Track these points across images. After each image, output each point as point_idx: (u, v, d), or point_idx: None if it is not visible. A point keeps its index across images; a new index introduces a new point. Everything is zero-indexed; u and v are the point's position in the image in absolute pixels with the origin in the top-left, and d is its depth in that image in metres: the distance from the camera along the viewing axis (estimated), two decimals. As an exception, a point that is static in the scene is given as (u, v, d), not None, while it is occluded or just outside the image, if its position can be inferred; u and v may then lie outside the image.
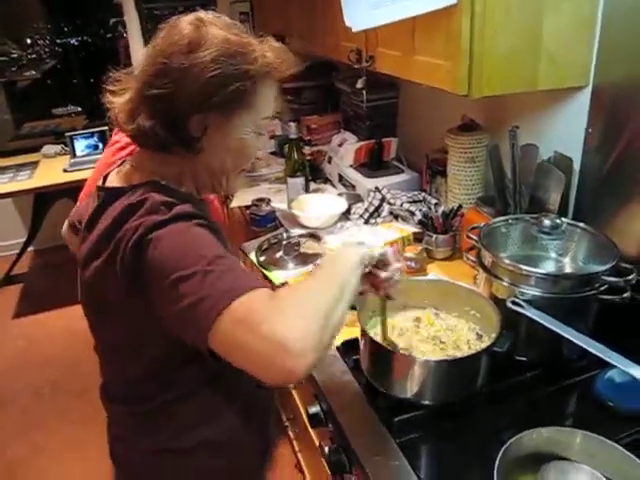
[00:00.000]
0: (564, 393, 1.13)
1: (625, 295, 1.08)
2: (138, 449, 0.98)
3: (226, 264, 0.75)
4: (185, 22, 0.85)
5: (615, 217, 1.27)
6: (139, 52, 3.56)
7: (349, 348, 1.23)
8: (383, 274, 0.96)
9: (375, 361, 1.09)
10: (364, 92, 1.56)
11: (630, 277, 1.07)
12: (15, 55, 4.88)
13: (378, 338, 1.08)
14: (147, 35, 3.51)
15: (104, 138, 3.40)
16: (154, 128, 0.82)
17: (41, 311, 3.43)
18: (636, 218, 1.21)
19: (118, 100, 0.87)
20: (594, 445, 0.83)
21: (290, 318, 0.70)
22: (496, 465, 0.79)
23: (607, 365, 1.09)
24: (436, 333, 1.15)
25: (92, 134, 3.45)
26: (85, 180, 3.47)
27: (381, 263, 0.95)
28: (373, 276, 0.96)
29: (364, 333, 1.09)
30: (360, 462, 0.97)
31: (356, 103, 2.32)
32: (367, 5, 1.13)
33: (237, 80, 0.83)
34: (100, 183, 0.93)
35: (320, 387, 1.16)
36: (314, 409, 1.22)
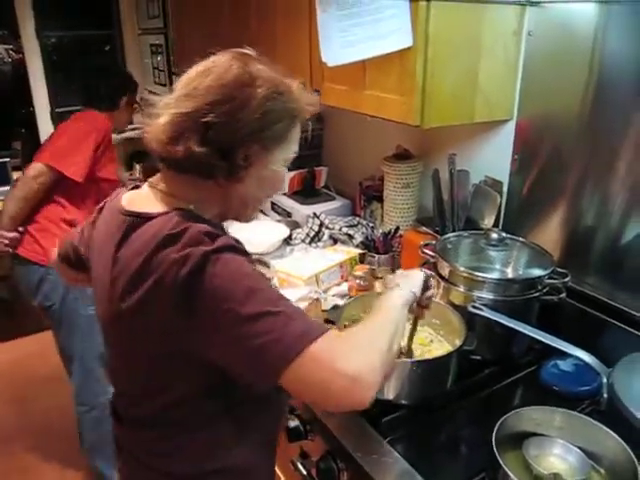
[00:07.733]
0: (517, 384, 1.29)
1: (562, 295, 1.27)
2: (147, 474, 0.96)
3: (289, 305, 0.81)
4: (229, 57, 0.90)
5: (535, 230, 1.47)
6: (42, 89, 3.36)
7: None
8: (427, 294, 1.10)
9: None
10: (309, 123, 1.67)
11: (566, 279, 1.27)
12: None
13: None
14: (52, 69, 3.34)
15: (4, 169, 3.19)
16: (206, 154, 0.83)
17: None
18: (552, 230, 1.42)
19: (155, 122, 0.87)
20: (565, 419, 0.98)
21: (360, 355, 0.79)
22: (493, 441, 0.91)
23: (548, 357, 1.28)
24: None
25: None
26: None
27: (424, 287, 1.08)
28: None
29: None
30: (357, 463, 1.04)
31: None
32: (339, 44, 1.25)
33: (286, 117, 0.89)
34: (124, 206, 0.91)
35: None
36: (294, 423, 1.26)
